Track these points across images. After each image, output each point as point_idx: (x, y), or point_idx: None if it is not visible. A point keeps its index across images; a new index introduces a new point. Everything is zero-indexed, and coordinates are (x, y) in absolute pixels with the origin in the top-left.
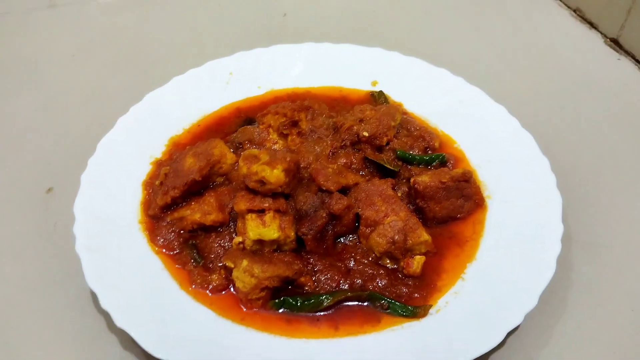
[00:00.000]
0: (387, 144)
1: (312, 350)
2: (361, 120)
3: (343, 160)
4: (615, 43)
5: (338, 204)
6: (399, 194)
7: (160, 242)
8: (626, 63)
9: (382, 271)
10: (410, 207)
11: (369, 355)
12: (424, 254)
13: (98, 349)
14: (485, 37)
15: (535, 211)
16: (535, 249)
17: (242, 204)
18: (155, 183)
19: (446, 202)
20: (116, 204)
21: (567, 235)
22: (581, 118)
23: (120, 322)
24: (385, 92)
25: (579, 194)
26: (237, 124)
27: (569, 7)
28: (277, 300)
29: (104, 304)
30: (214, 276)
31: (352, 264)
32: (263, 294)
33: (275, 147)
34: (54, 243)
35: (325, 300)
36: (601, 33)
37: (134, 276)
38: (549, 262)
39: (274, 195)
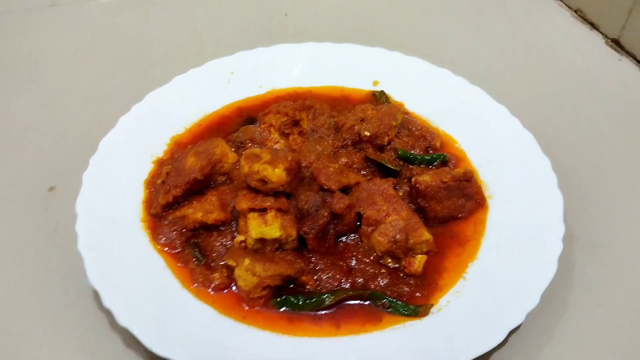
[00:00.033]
0: (389, 143)
1: (313, 349)
2: (362, 120)
3: (344, 160)
4: (616, 43)
5: (339, 203)
6: (401, 194)
7: (162, 241)
8: (627, 63)
9: (383, 270)
10: (412, 206)
11: (371, 354)
12: (426, 253)
13: (100, 347)
14: (486, 38)
15: (537, 211)
16: (537, 249)
17: (243, 203)
18: (157, 182)
19: (447, 201)
20: (118, 202)
21: (569, 235)
22: (582, 118)
23: (122, 320)
24: (387, 91)
25: (580, 194)
26: (238, 124)
27: (569, 7)
28: (278, 299)
29: (106, 302)
30: (216, 275)
31: (353, 263)
32: (265, 292)
33: (277, 146)
34: (56, 242)
35: (327, 299)
36: (602, 33)
37: (135, 275)
38: (550, 262)
39: (276, 194)
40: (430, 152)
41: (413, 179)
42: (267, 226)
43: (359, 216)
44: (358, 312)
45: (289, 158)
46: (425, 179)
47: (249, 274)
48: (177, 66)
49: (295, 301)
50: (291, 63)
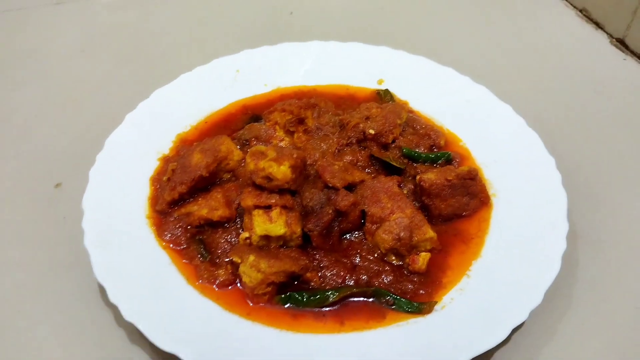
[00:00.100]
0: (393, 141)
1: (317, 345)
2: (367, 118)
3: (349, 158)
4: (621, 43)
5: (344, 200)
6: (405, 192)
7: (167, 237)
8: (632, 63)
9: (387, 267)
10: (416, 204)
11: (374, 351)
12: (430, 250)
13: (105, 342)
14: (491, 37)
15: (541, 209)
16: (540, 247)
17: (249, 200)
18: (162, 179)
19: (451, 199)
20: (124, 199)
21: (573, 233)
22: (586, 117)
23: (128, 315)
24: (391, 90)
25: (584, 192)
26: (243, 121)
27: (575, 7)
28: (283, 296)
29: (113, 297)
30: (221, 271)
31: (357, 260)
32: (269, 289)
33: (282, 144)
34: (62, 238)
35: (331, 295)
36: (607, 33)
37: (141, 271)
38: (554, 260)
39: (281, 191)
40: (435, 150)
41: (417, 177)
42: (272, 223)
43: (363, 214)
44: (362, 309)
45: (294, 155)
46: (430, 177)
47: (254, 270)
48: (183, 64)
49: (299, 298)
50: (296, 61)
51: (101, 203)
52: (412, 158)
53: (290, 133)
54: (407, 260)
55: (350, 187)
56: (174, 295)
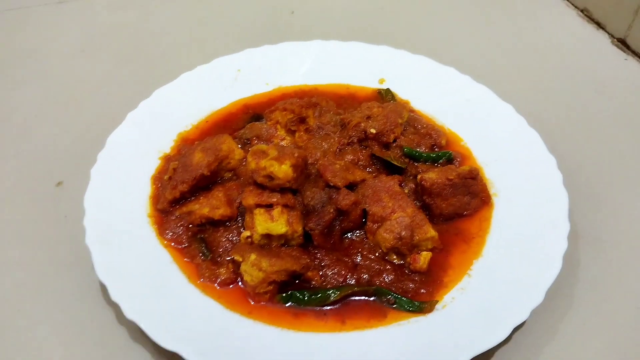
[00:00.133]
0: (394, 141)
1: (318, 344)
2: (368, 118)
3: (350, 157)
4: (622, 43)
5: (345, 199)
6: (406, 191)
7: (168, 236)
8: (633, 63)
9: (388, 267)
10: (417, 203)
11: (376, 350)
12: (431, 250)
13: (107, 340)
14: (492, 36)
15: (542, 209)
16: (542, 246)
17: (250, 199)
18: (164, 178)
19: (453, 199)
20: (125, 198)
21: (574, 232)
22: (587, 117)
23: (129, 313)
24: (393, 89)
25: (585, 192)
26: (244, 120)
27: (576, 7)
28: (284, 294)
29: (114, 295)
30: (222, 270)
31: (358, 259)
32: (270, 287)
33: (283, 143)
34: (64, 236)
35: (332, 294)
36: (608, 33)
37: (143, 269)
38: (555, 259)
39: (282, 190)
40: (436, 149)
41: (419, 176)
42: (273, 222)
43: (365, 213)
44: (363, 308)
45: (296, 154)
46: (431, 176)
47: (255, 269)
48: (184, 63)
49: (300, 296)
50: (298, 61)
51: (102, 202)
52: (413, 157)
53: (291, 132)
54: (408, 259)
55: (352, 186)
56: (176, 294)
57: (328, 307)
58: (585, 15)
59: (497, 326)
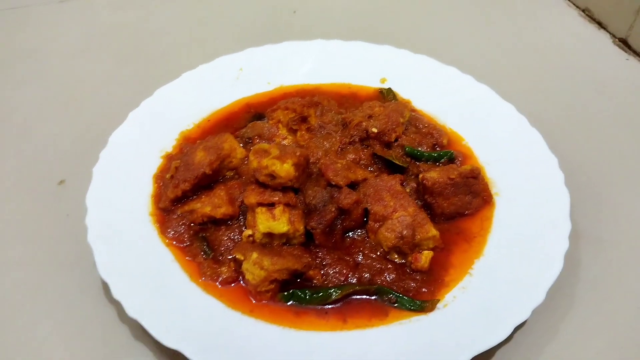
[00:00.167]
0: (396, 140)
1: (320, 342)
2: (370, 117)
3: (352, 156)
4: (623, 43)
5: (347, 198)
6: (408, 190)
7: (170, 235)
8: (634, 63)
9: (390, 266)
10: (419, 203)
11: (377, 349)
12: (432, 249)
13: (109, 338)
14: (494, 36)
15: (543, 208)
16: (543, 246)
17: (252, 198)
18: (165, 176)
19: (454, 198)
20: (127, 196)
21: (575, 232)
22: (589, 117)
23: (131, 311)
24: (394, 89)
25: (587, 192)
26: (246, 119)
27: (577, 7)
28: (285, 293)
29: (116, 293)
30: (224, 268)
31: (360, 258)
32: (272, 286)
33: (285, 142)
34: (66, 234)
35: (334, 293)
36: (610, 33)
37: (145, 267)
38: (556, 259)
39: (284, 189)
40: (437, 149)
41: (420, 176)
42: (275, 221)
43: (366, 212)
44: (364, 307)
45: (298, 153)
46: (433, 175)
47: (257, 267)
48: (186, 62)
49: (302, 295)
50: (299, 60)
51: (104, 200)
52: (415, 157)
53: (293, 131)
54: (410, 258)
55: (353, 186)
56: (177, 293)
57: (329, 306)
58: (587, 15)
59: (498, 325)
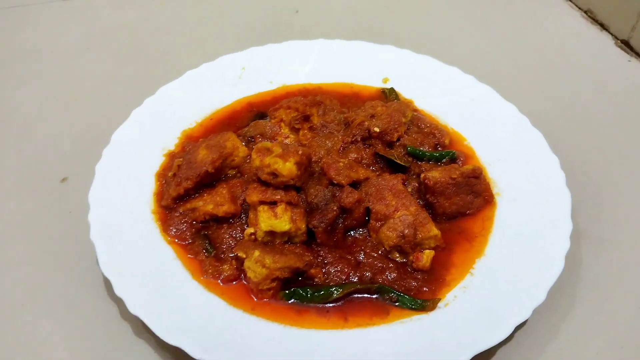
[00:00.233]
0: (398, 140)
1: (321, 340)
2: (372, 116)
3: (354, 155)
4: (626, 45)
5: (349, 197)
6: (409, 190)
7: (172, 232)
8: (637, 64)
9: (391, 265)
10: (420, 202)
11: (378, 347)
12: (433, 248)
13: (111, 335)
14: (496, 37)
15: (545, 208)
16: (544, 246)
17: (254, 196)
18: (168, 174)
19: (456, 197)
20: (130, 194)
21: (576, 232)
22: (591, 117)
23: (133, 308)
24: (396, 89)
25: (588, 192)
26: (249, 118)
27: (580, 8)
28: (287, 291)
29: (118, 290)
30: (226, 266)
31: (361, 257)
32: (274, 284)
33: (287, 141)
34: (68, 232)
35: (335, 292)
36: (612, 34)
37: (147, 265)
38: (557, 259)
39: (286, 187)
40: (439, 149)
41: (422, 175)
42: (277, 219)
43: (368, 211)
44: (366, 306)
45: (300, 152)
46: (434, 175)
47: (259, 265)
48: (189, 61)
49: (303, 293)
50: (302, 59)
51: (107, 198)
52: (417, 156)
53: (295, 130)
54: (411, 257)
55: (355, 185)
56: (179, 290)
57: (331, 305)
58: (589, 16)
59: (499, 325)
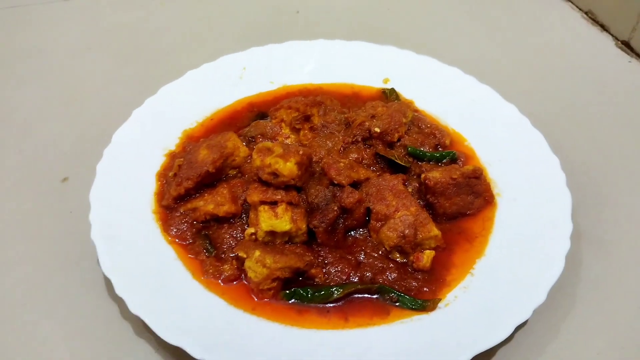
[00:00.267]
0: (398, 140)
1: (321, 341)
2: (373, 117)
3: (354, 156)
4: (626, 45)
5: (349, 197)
6: (410, 190)
7: (173, 232)
8: (637, 65)
9: (392, 265)
10: (421, 202)
11: (378, 347)
12: (434, 248)
13: (111, 334)
14: (497, 37)
15: (545, 209)
16: (544, 246)
17: (255, 196)
18: (169, 174)
19: (456, 198)
20: (130, 194)
21: (576, 232)
22: (591, 118)
23: (134, 308)
24: (397, 89)
25: (588, 192)
26: (249, 118)
27: (580, 9)
28: (287, 291)
29: (119, 290)
30: (226, 266)
31: (362, 257)
32: (274, 284)
33: (288, 141)
34: (69, 231)
35: (336, 292)
36: (612, 35)
37: (147, 265)
38: (557, 259)
39: (287, 187)
40: (440, 149)
41: (422, 175)
42: (277, 219)
43: (368, 211)
44: (366, 306)
45: (301, 152)
46: (435, 175)
47: (259, 265)
48: (190, 61)
49: (304, 293)
50: (302, 60)
51: (108, 197)
52: (417, 157)
53: (296, 130)
54: (412, 257)
55: (356, 185)
56: (180, 290)
57: (331, 305)
58: (590, 17)
59: (499, 325)
